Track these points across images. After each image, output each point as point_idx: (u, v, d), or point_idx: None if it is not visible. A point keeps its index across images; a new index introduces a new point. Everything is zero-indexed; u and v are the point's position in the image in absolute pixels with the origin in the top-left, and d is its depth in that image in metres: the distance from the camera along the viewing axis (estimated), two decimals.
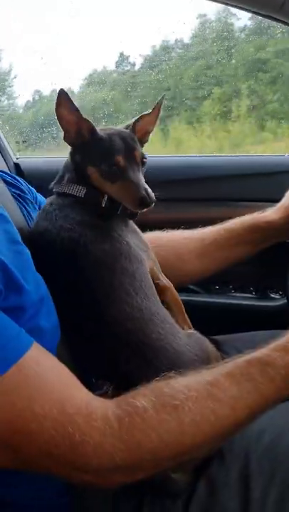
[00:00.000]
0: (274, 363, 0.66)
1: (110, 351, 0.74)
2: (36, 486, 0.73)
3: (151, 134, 0.92)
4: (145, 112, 0.88)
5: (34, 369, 0.58)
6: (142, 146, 0.88)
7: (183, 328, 0.89)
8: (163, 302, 0.88)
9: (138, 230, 0.91)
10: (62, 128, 0.82)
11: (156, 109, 0.88)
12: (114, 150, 0.79)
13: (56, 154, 1.99)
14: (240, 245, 1.12)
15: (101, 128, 0.84)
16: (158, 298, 0.84)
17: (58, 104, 0.79)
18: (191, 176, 1.55)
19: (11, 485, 0.72)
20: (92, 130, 0.81)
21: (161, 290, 0.92)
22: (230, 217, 1.16)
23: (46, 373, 0.60)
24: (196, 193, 1.55)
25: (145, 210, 0.79)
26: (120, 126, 0.89)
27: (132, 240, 0.85)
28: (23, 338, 0.60)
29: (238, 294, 1.59)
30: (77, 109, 0.79)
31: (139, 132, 0.87)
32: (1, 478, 0.71)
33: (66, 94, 0.78)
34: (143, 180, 0.80)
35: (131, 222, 0.89)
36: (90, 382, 0.67)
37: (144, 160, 0.83)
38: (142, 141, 0.88)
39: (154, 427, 0.59)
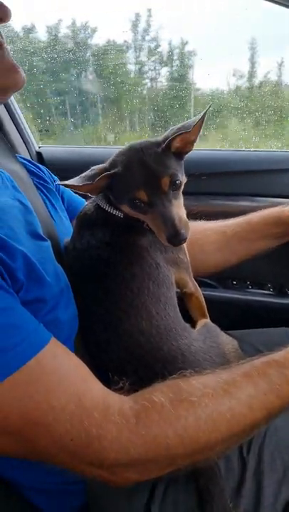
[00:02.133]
0: None
1: (118, 361, 0.74)
2: (53, 472, 0.73)
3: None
4: (186, 129, 0.75)
5: (52, 363, 0.59)
6: (184, 156, 0.80)
7: None
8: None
9: None
10: (86, 193, 0.78)
11: (200, 122, 0.76)
12: (133, 185, 0.73)
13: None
14: (261, 239, 1.11)
15: (126, 150, 0.78)
16: (179, 314, 0.83)
17: (71, 189, 0.79)
18: (215, 170, 1.54)
19: (24, 468, 0.74)
20: (109, 176, 0.75)
21: (187, 297, 0.94)
22: (252, 211, 1.15)
23: (63, 367, 0.61)
24: (220, 187, 1.53)
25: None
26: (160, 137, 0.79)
27: (164, 257, 0.83)
28: (42, 333, 0.61)
29: (255, 290, 1.58)
30: (84, 183, 0.74)
31: (178, 146, 0.78)
32: (14, 462, 0.73)
33: (69, 185, 0.75)
34: (174, 210, 0.73)
35: None
36: (107, 378, 0.68)
37: (178, 182, 0.74)
38: (183, 152, 0.80)
39: (171, 422, 0.60)
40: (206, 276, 1.46)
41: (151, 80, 2.26)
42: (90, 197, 0.87)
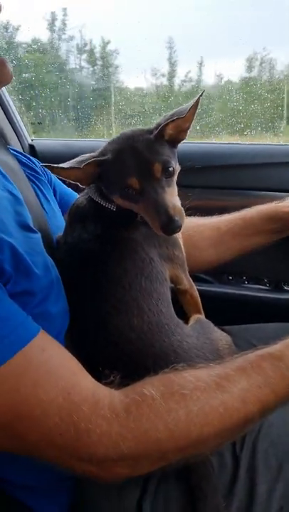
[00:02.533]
0: (286, 359, 0.65)
1: (108, 358, 0.72)
2: (42, 469, 0.71)
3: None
4: (179, 115, 0.73)
5: (40, 356, 0.58)
6: (178, 144, 0.78)
7: None
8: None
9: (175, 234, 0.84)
10: (74, 182, 0.76)
11: (193, 108, 0.74)
12: (124, 173, 0.71)
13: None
14: (256, 235, 1.10)
15: (117, 137, 0.77)
16: (172, 310, 0.81)
17: (58, 175, 0.75)
18: (209, 164, 1.52)
19: (12, 465, 0.72)
20: (99, 163, 0.73)
21: (181, 294, 0.92)
22: (246, 207, 1.13)
23: (52, 361, 0.59)
24: (214, 181, 1.52)
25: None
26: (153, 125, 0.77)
27: (158, 253, 0.81)
28: (30, 325, 0.60)
29: (251, 286, 1.56)
30: (74, 166, 0.71)
31: (171, 133, 0.76)
32: (3, 459, 0.71)
33: (54, 166, 0.72)
34: (167, 198, 0.70)
35: None
36: (99, 372, 0.66)
37: (170, 169, 0.72)
38: (177, 140, 0.78)
39: (161, 415, 0.58)
40: (200, 272, 1.44)
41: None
42: (82, 189, 0.85)
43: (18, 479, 0.75)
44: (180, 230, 0.70)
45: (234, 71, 1.92)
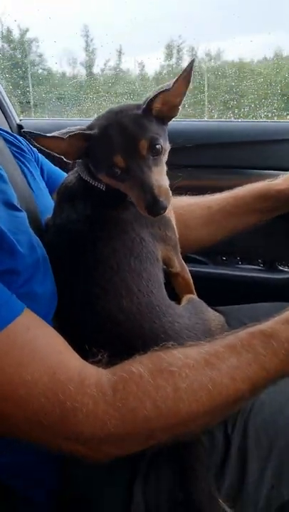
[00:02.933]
0: (278, 336, 0.64)
1: (96, 340, 0.69)
2: (29, 451, 0.71)
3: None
4: (165, 87, 0.70)
5: (24, 335, 0.57)
6: (168, 121, 0.75)
7: None
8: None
9: (168, 215, 0.83)
10: (59, 155, 0.73)
11: (181, 78, 0.70)
12: (110, 150, 0.68)
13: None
14: (248, 214, 1.08)
15: (105, 112, 0.74)
16: (163, 291, 0.79)
17: (41, 145, 0.71)
18: (200, 142, 1.48)
19: (4, 451, 0.72)
20: (86, 136, 0.71)
21: (173, 276, 0.90)
22: (241, 185, 1.11)
23: (37, 340, 0.58)
24: (205, 160, 1.48)
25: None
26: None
27: (149, 232, 0.79)
28: (14, 304, 0.58)
29: (245, 266, 1.55)
30: (55, 137, 0.69)
31: (161, 108, 0.72)
32: None
33: (37, 134, 0.69)
34: (153, 177, 0.68)
35: None
36: (85, 352, 0.65)
37: (158, 147, 0.69)
38: (167, 116, 0.74)
39: (149, 393, 0.57)
40: (191, 252, 1.43)
41: None
42: (70, 169, 0.82)
43: (3, 463, 0.74)
44: (165, 211, 0.68)
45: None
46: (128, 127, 0.68)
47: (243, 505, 0.70)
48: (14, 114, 1.69)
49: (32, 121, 1.75)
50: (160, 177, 0.70)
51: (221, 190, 1.12)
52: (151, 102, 0.70)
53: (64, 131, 0.72)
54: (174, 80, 0.70)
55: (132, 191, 0.70)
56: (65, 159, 0.74)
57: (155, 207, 0.66)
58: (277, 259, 1.51)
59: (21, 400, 0.55)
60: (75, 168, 0.82)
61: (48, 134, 0.70)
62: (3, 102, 1.65)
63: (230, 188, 1.11)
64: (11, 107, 1.68)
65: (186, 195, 1.12)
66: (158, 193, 0.66)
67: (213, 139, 1.49)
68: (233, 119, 1.62)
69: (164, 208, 0.67)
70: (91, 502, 0.72)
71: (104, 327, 0.70)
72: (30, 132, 0.69)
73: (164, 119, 0.74)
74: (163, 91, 0.70)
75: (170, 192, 0.69)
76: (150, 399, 0.57)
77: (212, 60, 1.98)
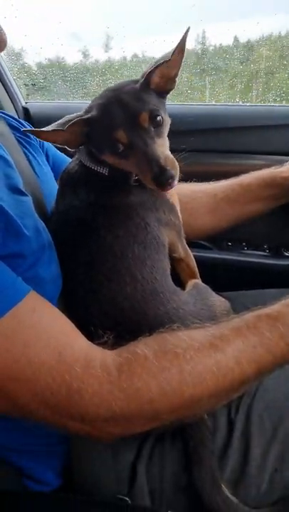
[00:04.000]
0: (284, 319, 0.64)
1: (101, 327, 0.69)
2: (36, 433, 0.73)
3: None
4: (163, 59, 0.69)
5: (30, 316, 0.58)
6: (166, 94, 0.75)
7: None
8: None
9: (172, 200, 0.83)
10: (61, 145, 0.72)
11: (178, 49, 0.70)
12: (111, 127, 0.68)
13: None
14: (254, 201, 1.07)
15: (104, 91, 0.73)
16: (168, 277, 0.79)
17: (43, 139, 0.73)
18: (205, 126, 1.46)
19: (4, 429, 0.73)
20: (86, 121, 0.70)
21: (176, 262, 0.90)
22: (246, 171, 1.10)
23: (43, 321, 0.59)
24: (211, 144, 1.46)
25: (167, 189, 0.67)
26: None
27: (155, 217, 0.78)
28: (20, 286, 0.59)
29: (250, 252, 1.54)
30: (57, 129, 0.68)
31: (158, 81, 0.72)
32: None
33: (36, 130, 0.69)
34: (157, 148, 0.67)
35: (164, 193, 0.80)
36: (91, 332, 0.66)
37: (158, 118, 0.69)
38: (166, 89, 0.74)
39: (154, 374, 0.58)
40: (196, 239, 1.42)
41: None
42: (74, 153, 0.82)
43: (9, 443, 0.75)
44: (173, 181, 0.66)
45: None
46: (127, 102, 0.68)
47: (245, 489, 0.71)
48: (20, 96, 1.67)
49: (38, 104, 1.73)
50: (164, 148, 0.70)
51: (225, 175, 1.12)
52: (149, 75, 0.70)
53: (62, 121, 0.71)
54: (171, 51, 0.69)
55: (137, 166, 0.69)
56: (68, 148, 0.74)
57: (162, 176, 0.65)
58: (282, 244, 1.50)
59: (28, 380, 0.56)
60: (76, 155, 0.81)
61: (47, 129, 0.69)
62: (9, 84, 1.63)
63: (234, 173, 1.11)
64: (16, 90, 1.66)
65: (190, 181, 1.11)
66: (164, 163, 0.66)
67: (217, 124, 1.47)
68: (239, 103, 1.59)
69: (172, 177, 0.66)
70: (96, 481, 0.73)
71: (109, 315, 0.71)
72: (29, 130, 0.70)
73: (162, 92, 0.74)
74: (162, 63, 0.69)
75: (176, 162, 0.68)
76: (155, 380, 0.58)
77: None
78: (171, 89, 0.75)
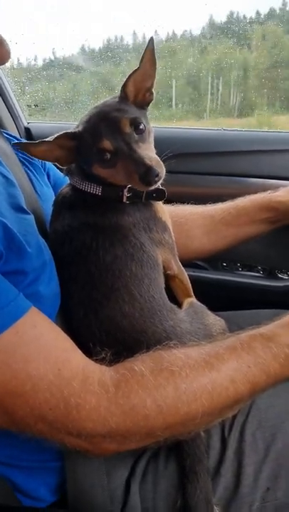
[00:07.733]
0: (278, 340, 0.65)
1: (100, 345, 0.70)
2: (30, 448, 0.72)
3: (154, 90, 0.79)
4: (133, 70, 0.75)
5: (30, 332, 0.59)
6: (146, 106, 0.78)
7: None
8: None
9: (164, 218, 0.86)
10: (52, 162, 0.78)
11: (146, 59, 0.74)
12: (96, 138, 0.71)
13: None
14: (249, 224, 1.09)
15: (89, 111, 0.77)
16: (164, 295, 0.81)
17: (32, 154, 0.76)
18: (202, 150, 1.51)
19: (4, 445, 0.73)
20: (71, 135, 0.74)
21: (170, 279, 0.91)
22: (241, 194, 1.13)
23: (43, 337, 0.60)
24: (208, 168, 1.50)
25: (154, 186, 0.70)
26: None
27: (149, 237, 0.80)
28: (21, 302, 0.60)
29: (245, 273, 1.57)
30: (42, 142, 0.72)
31: (135, 94, 0.76)
32: None
33: (24, 143, 0.73)
34: (142, 151, 0.70)
35: (156, 212, 0.83)
36: (89, 348, 0.67)
37: (141, 126, 0.72)
38: (144, 102, 0.78)
39: (149, 391, 0.59)
40: (192, 261, 1.44)
41: None
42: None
43: (2, 457, 0.75)
44: (159, 179, 0.69)
45: None
46: (108, 113, 0.73)
47: (237, 507, 0.71)
48: (22, 117, 1.71)
49: (40, 125, 1.77)
50: (149, 151, 0.73)
51: (221, 198, 1.14)
52: (124, 86, 0.75)
53: (50, 138, 0.74)
54: (141, 59, 0.74)
55: (124, 170, 0.72)
56: (58, 165, 0.77)
57: (148, 174, 0.68)
58: (276, 266, 1.53)
59: (27, 394, 0.56)
60: (68, 182, 0.84)
61: (34, 141, 0.73)
62: (12, 104, 1.67)
63: (230, 196, 1.13)
64: (19, 110, 1.70)
65: (188, 203, 1.14)
66: (149, 162, 0.68)
67: (214, 148, 1.51)
68: (235, 129, 1.64)
69: (158, 175, 0.68)
70: (90, 500, 0.73)
71: (109, 333, 0.72)
72: (17, 144, 0.73)
73: (142, 105, 0.78)
74: (132, 73, 0.75)
75: (162, 163, 0.71)
76: (150, 397, 0.59)
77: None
78: (150, 101, 0.80)
